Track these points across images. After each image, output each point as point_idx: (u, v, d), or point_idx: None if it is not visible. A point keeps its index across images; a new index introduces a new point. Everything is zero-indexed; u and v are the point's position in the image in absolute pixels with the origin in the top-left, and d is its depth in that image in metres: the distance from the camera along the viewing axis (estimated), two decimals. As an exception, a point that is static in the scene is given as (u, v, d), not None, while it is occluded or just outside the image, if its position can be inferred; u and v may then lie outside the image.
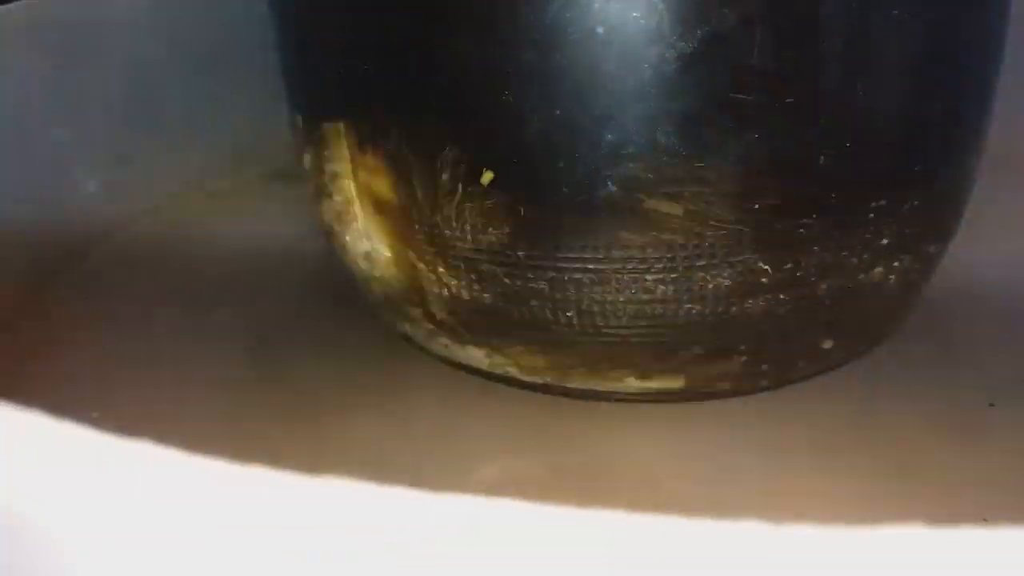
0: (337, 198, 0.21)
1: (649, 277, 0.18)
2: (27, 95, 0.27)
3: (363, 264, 0.21)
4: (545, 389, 0.21)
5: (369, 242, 0.20)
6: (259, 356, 0.24)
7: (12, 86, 0.27)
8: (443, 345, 0.21)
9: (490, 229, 0.18)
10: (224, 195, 0.33)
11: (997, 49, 0.21)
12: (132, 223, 0.31)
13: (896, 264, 0.20)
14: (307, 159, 0.22)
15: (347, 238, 0.21)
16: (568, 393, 0.21)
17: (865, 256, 0.19)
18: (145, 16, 0.31)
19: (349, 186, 0.20)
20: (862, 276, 0.20)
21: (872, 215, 0.19)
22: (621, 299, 0.18)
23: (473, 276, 0.19)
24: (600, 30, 0.16)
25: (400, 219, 0.19)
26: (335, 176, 0.21)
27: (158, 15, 0.32)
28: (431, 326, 0.21)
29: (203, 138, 0.33)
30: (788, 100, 0.17)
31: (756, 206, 0.17)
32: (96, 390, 0.23)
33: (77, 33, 0.29)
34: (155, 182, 0.32)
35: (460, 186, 0.18)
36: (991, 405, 0.21)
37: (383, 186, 0.19)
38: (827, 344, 0.20)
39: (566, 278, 0.18)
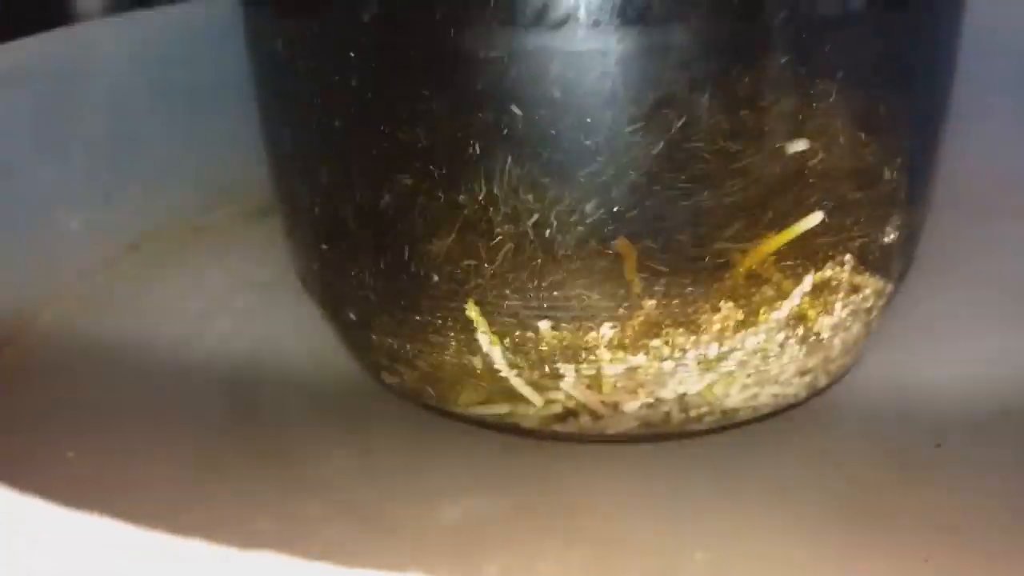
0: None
1: (607, 327, 0.19)
2: (10, 137, 0.28)
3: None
4: (511, 429, 0.22)
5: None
6: (232, 394, 0.25)
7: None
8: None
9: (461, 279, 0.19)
10: (205, 231, 0.34)
11: (945, 101, 0.22)
12: (114, 260, 0.31)
13: (852, 308, 0.21)
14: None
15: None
16: (534, 433, 0.21)
17: (822, 302, 0.20)
18: (127, 57, 0.32)
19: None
20: (821, 320, 0.20)
21: (828, 263, 0.20)
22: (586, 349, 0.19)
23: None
24: (557, 94, 0.17)
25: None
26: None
27: (140, 56, 0.32)
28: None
29: (184, 175, 0.34)
30: (739, 159, 0.18)
31: (710, 261, 0.18)
32: (72, 429, 0.24)
33: (61, 75, 0.30)
34: (137, 219, 0.33)
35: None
36: (937, 446, 0.22)
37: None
38: (789, 387, 0.21)
39: (534, 327, 0.19)
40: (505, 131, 0.17)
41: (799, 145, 0.18)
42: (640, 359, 0.19)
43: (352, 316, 0.22)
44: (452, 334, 0.20)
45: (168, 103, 0.33)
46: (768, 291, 0.19)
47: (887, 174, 0.21)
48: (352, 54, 0.19)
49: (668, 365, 0.19)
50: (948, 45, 0.21)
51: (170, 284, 0.30)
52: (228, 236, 0.34)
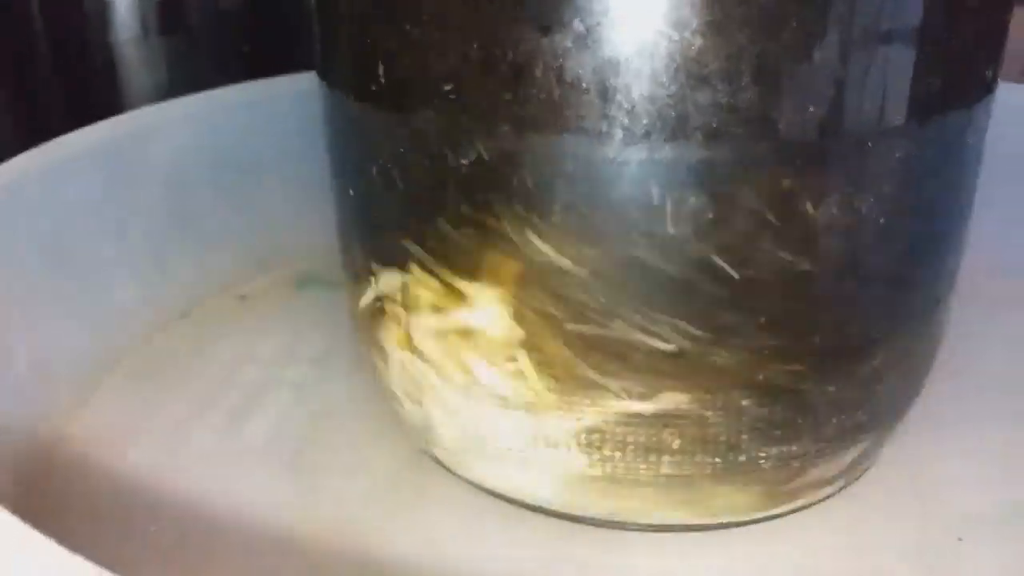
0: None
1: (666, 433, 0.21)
2: (78, 214, 0.30)
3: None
4: (572, 517, 0.23)
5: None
6: (296, 470, 0.26)
7: (67, 206, 0.29)
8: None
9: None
10: (250, 300, 0.35)
11: (969, 210, 0.24)
12: (167, 329, 0.33)
13: (879, 411, 0.23)
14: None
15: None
16: (592, 521, 0.23)
17: (855, 409, 0.22)
18: (185, 134, 0.34)
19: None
20: (852, 424, 0.22)
21: (863, 375, 0.22)
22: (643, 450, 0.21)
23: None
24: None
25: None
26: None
27: (194, 136, 0.34)
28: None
29: (233, 244, 0.36)
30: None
31: (760, 377, 0.20)
32: (146, 501, 0.25)
33: (125, 154, 0.31)
34: (190, 287, 0.34)
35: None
36: (959, 540, 0.23)
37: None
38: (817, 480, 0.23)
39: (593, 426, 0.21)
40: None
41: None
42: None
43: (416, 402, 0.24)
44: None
45: (219, 176, 0.35)
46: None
47: (923, 282, 0.22)
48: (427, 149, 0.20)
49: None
50: (979, 151, 0.23)
51: (223, 354, 0.32)
52: (273, 305, 0.35)
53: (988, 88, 0.22)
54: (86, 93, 0.40)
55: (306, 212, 0.37)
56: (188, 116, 0.34)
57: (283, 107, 0.36)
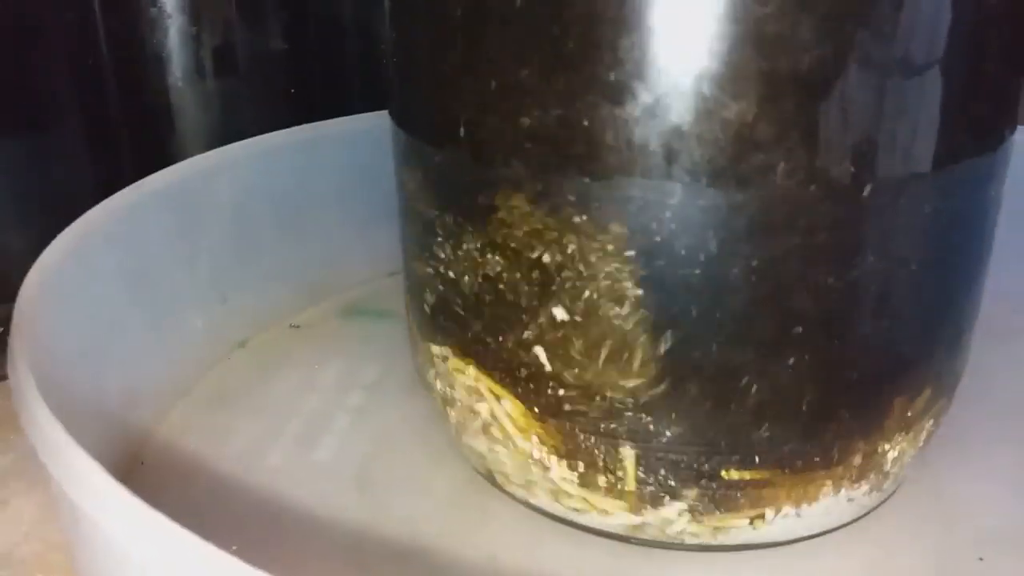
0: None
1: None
2: (151, 249, 0.32)
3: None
4: (629, 538, 0.25)
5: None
6: (365, 490, 0.28)
7: (147, 244, 0.31)
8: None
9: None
10: (307, 327, 0.37)
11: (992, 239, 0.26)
12: (231, 355, 0.35)
13: (906, 440, 0.25)
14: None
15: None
16: (649, 542, 0.25)
17: (886, 440, 0.24)
18: (249, 175, 0.36)
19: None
20: (880, 448, 0.24)
21: (893, 406, 0.24)
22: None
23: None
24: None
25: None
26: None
27: (256, 174, 0.36)
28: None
29: (286, 276, 0.38)
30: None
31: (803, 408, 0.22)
32: (220, 524, 0.27)
33: (197, 194, 0.33)
34: (248, 317, 0.36)
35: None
36: (980, 559, 0.25)
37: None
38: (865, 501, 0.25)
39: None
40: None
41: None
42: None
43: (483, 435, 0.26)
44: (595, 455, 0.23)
45: (274, 212, 0.37)
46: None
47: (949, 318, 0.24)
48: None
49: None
50: (1000, 187, 0.25)
51: (284, 381, 0.34)
52: (325, 334, 0.37)
53: (1008, 133, 0.24)
54: (148, 133, 0.42)
55: (354, 246, 0.40)
56: (248, 158, 0.36)
57: (333, 149, 0.39)
